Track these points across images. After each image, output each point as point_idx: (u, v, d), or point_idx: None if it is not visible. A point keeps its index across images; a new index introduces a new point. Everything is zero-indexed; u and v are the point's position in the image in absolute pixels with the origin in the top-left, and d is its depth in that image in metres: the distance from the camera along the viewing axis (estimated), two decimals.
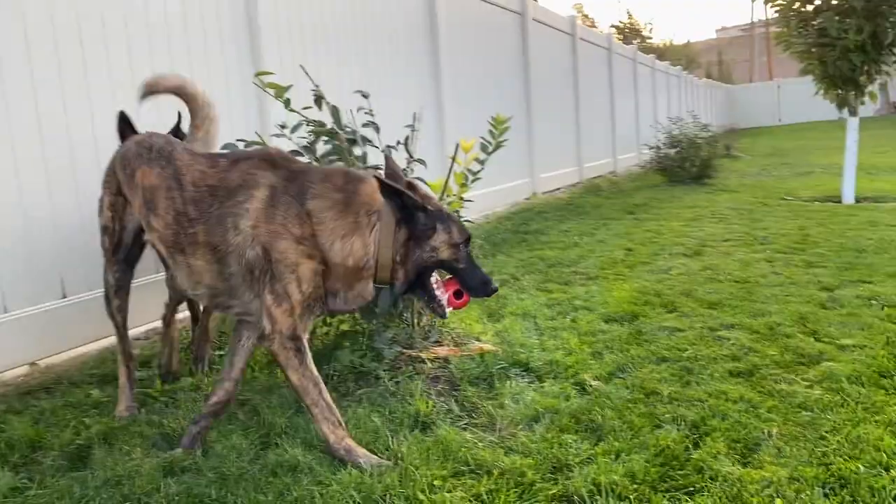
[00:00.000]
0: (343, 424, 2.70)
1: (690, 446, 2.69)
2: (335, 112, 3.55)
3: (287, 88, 3.44)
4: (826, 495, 2.32)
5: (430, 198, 2.77)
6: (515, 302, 4.82)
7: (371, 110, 3.68)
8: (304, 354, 2.65)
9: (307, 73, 3.61)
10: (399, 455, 2.65)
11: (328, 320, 3.84)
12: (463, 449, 2.70)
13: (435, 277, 2.76)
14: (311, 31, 6.02)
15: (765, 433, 2.75)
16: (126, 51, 4.41)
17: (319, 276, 2.63)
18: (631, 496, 2.37)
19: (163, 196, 2.78)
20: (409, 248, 2.64)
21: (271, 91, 3.45)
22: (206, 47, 4.97)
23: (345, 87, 4.18)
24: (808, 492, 2.32)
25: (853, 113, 9.44)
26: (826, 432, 2.73)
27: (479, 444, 2.77)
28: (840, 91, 9.31)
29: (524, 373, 3.50)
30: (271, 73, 3.56)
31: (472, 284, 2.75)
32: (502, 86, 9.94)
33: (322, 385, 2.68)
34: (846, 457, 2.53)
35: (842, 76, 9.09)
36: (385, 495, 2.40)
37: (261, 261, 2.61)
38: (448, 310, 2.80)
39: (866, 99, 9.39)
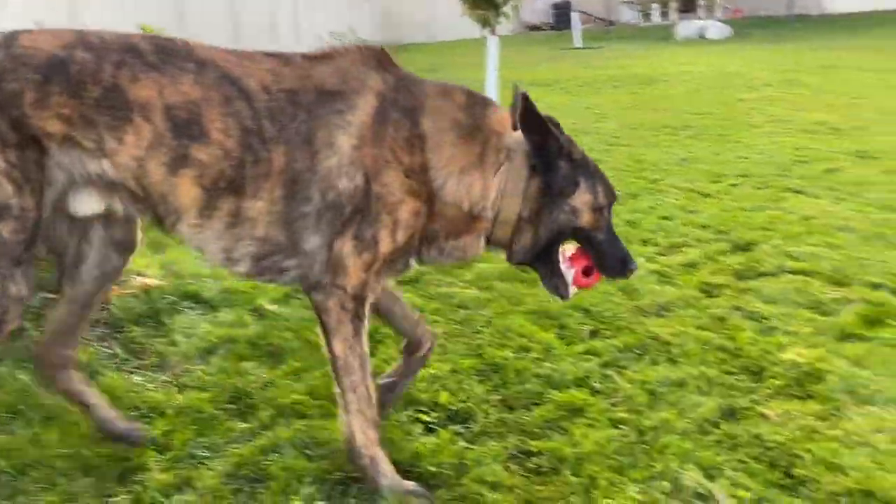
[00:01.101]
0: (378, 427, 2.10)
1: None
2: None
3: None
4: (481, 381, 2.62)
5: (574, 143, 2.11)
6: None
7: None
8: (362, 324, 2.04)
9: None
10: (54, 414, 2.39)
11: None
12: (132, 393, 2.52)
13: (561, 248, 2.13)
14: None
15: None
16: None
17: (421, 220, 2.02)
18: (312, 412, 2.43)
19: (217, 111, 1.92)
20: (543, 204, 2.04)
21: None
22: None
23: None
24: (467, 381, 2.60)
25: (493, 31, 10.34)
26: (481, 326, 3.06)
27: (150, 385, 2.61)
28: (482, 11, 10.10)
29: (196, 305, 3.34)
30: None
31: (609, 262, 2.10)
32: None
33: (369, 368, 2.07)
34: (496, 346, 2.87)
35: None
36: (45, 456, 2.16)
37: (359, 194, 1.95)
38: (572, 290, 2.14)
39: (502, 19, 10.33)
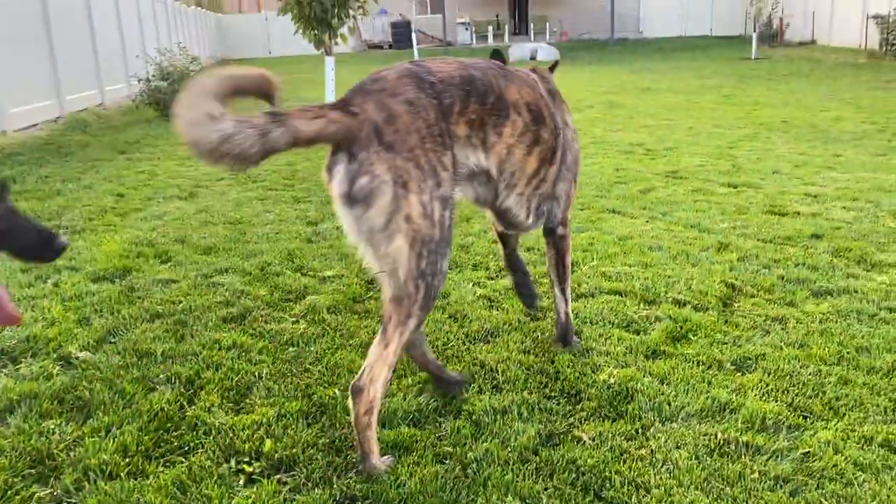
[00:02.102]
0: None
1: (185, 404, 2.69)
2: None
3: None
4: (309, 424, 2.56)
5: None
6: None
7: None
8: None
9: None
10: None
11: None
12: None
13: None
14: None
15: (256, 376, 2.89)
16: None
17: None
18: (122, 472, 2.27)
19: (543, 102, 2.70)
20: None
21: None
22: None
23: None
24: (293, 426, 2.53)
25: (328, 52, 10.27)
26: (309, 364, 3.00)
27: None
28: (316, 31, 10.00)
29: None
30: None
31: None
32: None
33: None
34: (325, 384, 2.82)
35: (316, 17, 9.76)
36: None
37: (576, 155, 3.02)
38: None
39: (339, 40, 10.29)
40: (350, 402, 2.24)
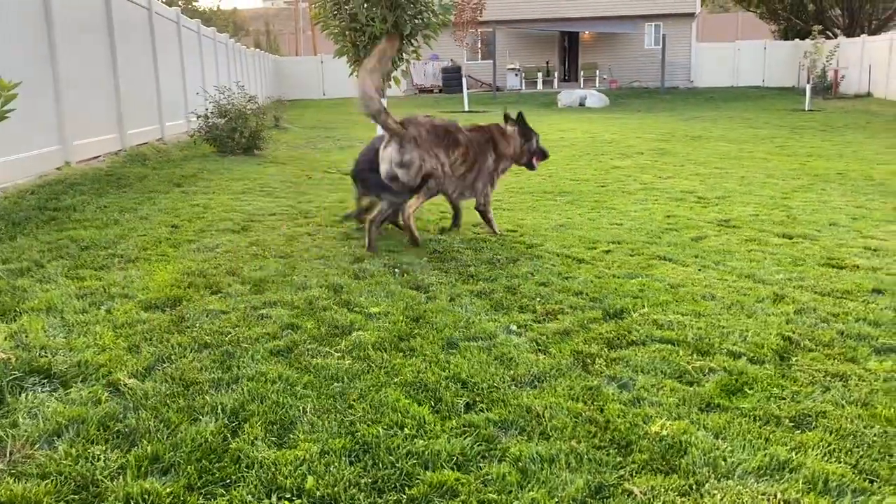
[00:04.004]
0: None
1: (229, 435, 2.67)
2: None
3: None
4: (352, 463, 2.52)
5: (534, 132, 6.34)
6: (38, 295, 4.23)
7: None
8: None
9: None
10: None
11: None
12: None
13: None
14: None
15: (300, 410, 2.87)
16: None
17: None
18: (164, 502, 2.25)
19: (473, 146, 5.84)
20: (524, 150, 6.30)
21: None
22: None
23: None
24: (336, 463, 2.49)
25: (381, 94, 10.45)
26: (354, 401, 2.97)
27: None
28: None
29: (45, 380, 3.09)
30: None
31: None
32: (11, 41, 8.54)
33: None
34: (369, 422, 2.78)
35: None
36: None
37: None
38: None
39: (392, 83, 10.47)
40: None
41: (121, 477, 2.39)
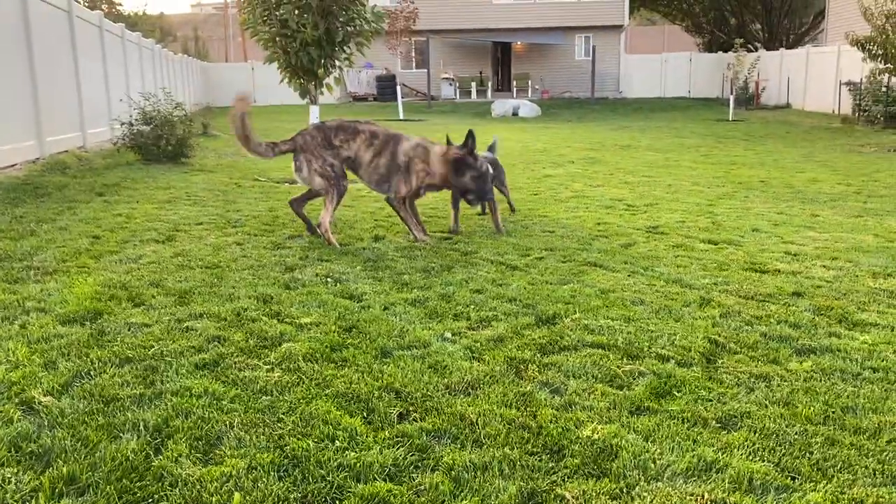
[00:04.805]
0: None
1: (152, 453, 2.56)
2: None
3: None
4: (281, 478, 2.44)
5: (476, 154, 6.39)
6: None
7: None
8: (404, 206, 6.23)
9: None
10: None
11: None
12: None
13: None
14: None
15: (227, 425, 2.78)
16: None
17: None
18: None
19: (373, 144, 6.22)
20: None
21: None
22: None
23: None
24: (264, 478, 2.42)
25: (314, 101, 10.33)
26: (283, 414, 2.89)
27: None
28: (302, 80, 10.08)
29: None
30: None
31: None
32: None
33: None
34: (299, 436, 2.71)
35: (302, 67, 9.84)
36: None
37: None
38: None
39: (324, 90, 10.37)
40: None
41: (33, 500, 2.27)
